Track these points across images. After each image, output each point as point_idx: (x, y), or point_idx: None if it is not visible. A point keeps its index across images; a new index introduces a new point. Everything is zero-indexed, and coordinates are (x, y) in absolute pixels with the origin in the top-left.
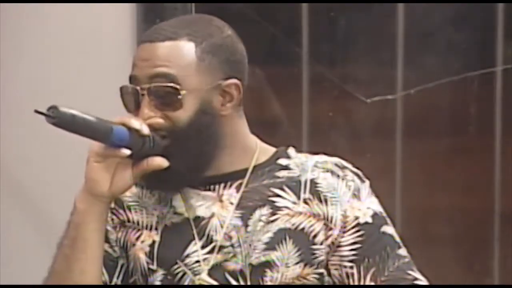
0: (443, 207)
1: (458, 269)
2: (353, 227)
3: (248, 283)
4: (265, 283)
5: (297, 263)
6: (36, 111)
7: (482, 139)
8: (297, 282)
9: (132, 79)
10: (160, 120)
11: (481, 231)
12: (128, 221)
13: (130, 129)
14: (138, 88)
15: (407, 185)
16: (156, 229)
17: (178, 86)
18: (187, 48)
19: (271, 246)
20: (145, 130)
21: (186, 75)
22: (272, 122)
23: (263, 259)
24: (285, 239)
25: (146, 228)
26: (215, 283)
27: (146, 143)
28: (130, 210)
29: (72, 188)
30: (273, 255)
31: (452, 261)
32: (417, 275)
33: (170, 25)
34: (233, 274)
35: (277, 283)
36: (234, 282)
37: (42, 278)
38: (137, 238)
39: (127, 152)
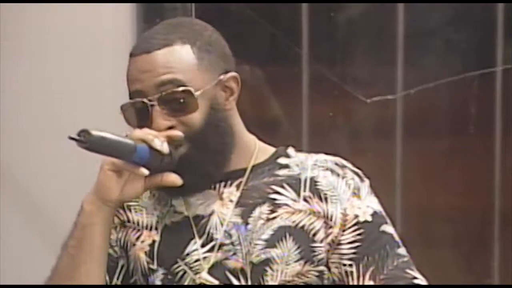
0: (443, 207)
1: (458, 269)
2: (352, 226)
3: (249, 281)
4: (266, 281)
5: (297, 260)
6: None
7: (482, 139)
8: (297, 280)
9: (134, 94)
10: (174, 133)
11: (481, 231)
12: (128, 221)
13: (150, 147)
14: (145, 100)
15: (407, 185)
16: (156, 228)
17: (191, 88)
18: (185, 51)
19: (271, 243)
20: (166, 149)
21: (191, 77)
22: (272, 122)
23: (263, 256)
24: (285, 237)
25: (146, 228)
26: (215, 281)
27: (164, 159)
28: (130, 210)
29: (72, 189)
30: (273, 253)
31: (452, 261)
32: (416, 274)
33: (158, 32)
34: (233, 272)
35: (277, 281)
36: (234, 280)
37: (42, 278)
38: (137, 238)
39: (145, 172)
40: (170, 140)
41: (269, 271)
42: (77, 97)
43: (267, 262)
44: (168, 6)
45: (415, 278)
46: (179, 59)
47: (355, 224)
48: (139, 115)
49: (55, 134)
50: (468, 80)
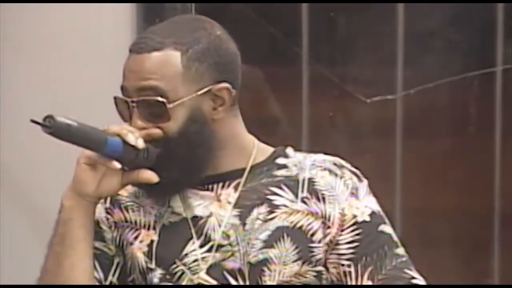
0: (443, 207)
1: (458, 269)
2: (351, 226)
3: (247, 282)
4: (264, 281)
5: (295, 261)
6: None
7: (482, 139)
8: (295, 280)
9: (123, 89)
10: (154, 131)
11: (481, 231)
12: (126, 221)
13: (125, 141)
14: (128, 100)
15: (407, 185)
16: (154, 228)
17: (164, 100)
18: (173, 59)
19: (269, 244)
20: (140, 144)
21: (173, 86)
22: (272, 122)
23: (261, 257)
24: (283, 237)
25: (144, 228)
26: (214, 281)
27: (139, 155)
28: (127, 210)
29: None
30: (271, 253)
31: (452, 261)
32: (415, 274)
33: (156, 33)
34: (231, 272)
35: (275, 281)
36: (232, 281)
37: None
38: (135, 238)
39: (117, 165)
40: (149, 138)
41: (267, 272)
42: (77, 96)
43: (265, 262)
44: (168, 6)
45: (413, 278)
46: (165, 66)
47: (353, 224)
48: (125, 111)
49: None
50: (468, 80)
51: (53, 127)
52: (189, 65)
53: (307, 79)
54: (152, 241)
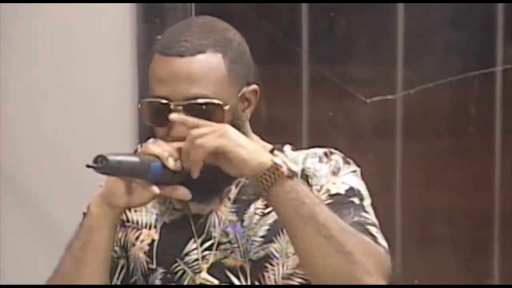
0: (443, 207)
1: (458, 269)
2: (325, 198)
3: (249, 279)
4: (267, 277)
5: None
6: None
7: (482, 139)
8: (299, 271)
9: (159, 95)
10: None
11: (481, 231)
12: (128, 221)
13: (164, 165)
14: (172, 106)
15: (407, 185)
16: (155, 227)
17: (221, 103)
18: (217, 61)
19: (268, 239)
20: (178, 167)
21: (221, 88)
22: (272, 122)
23: (262, 253)
24: (282, 230)
25: (146, 227)
26: (215, 281)
27: (175, 176)
28: (129, 209)
29: (73, 189)
30: (272, 248)
31: (452, 261)
32: (379, 236)
33: (191, 35)
34: (233, 270)
35: (279, 275)
36: (234, 279)
37: (42, 278)
38: (137, 238)
39: (156, 191)
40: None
41: (270, 267)
42: (78, 96)
43: (266, 258)
44: (168, 6)
45: (374, 237)
46: (211, 70)
47: (326, 198)
48: (160, 115)
49: (55, 134)
50: (468, 80)
51: (106, 167)
52: (231, 67)
53: (307, 79)
54: (153, 240)
